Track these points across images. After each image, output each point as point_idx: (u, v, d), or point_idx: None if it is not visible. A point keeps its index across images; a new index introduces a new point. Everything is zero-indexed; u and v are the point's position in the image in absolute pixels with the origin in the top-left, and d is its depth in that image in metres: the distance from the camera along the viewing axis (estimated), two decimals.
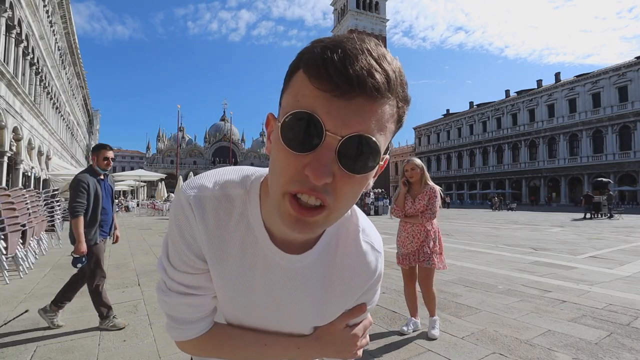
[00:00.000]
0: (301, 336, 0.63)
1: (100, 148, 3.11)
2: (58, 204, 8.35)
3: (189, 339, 0.60)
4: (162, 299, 0.59)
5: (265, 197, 0.53)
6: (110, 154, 3.13)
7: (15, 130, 15.50)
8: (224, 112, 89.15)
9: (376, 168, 0.43)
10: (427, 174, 2.98)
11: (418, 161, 2.99)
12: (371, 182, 0.47)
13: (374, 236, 0.62)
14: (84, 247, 2.79)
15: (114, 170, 79.07)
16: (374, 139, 0.40)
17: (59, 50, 26.36)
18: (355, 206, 0.58)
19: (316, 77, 0.38)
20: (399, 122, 0.44)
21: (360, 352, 0.65)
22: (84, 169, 3.31)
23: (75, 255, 2.79)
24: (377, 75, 0.38)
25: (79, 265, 2.84)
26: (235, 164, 75.06)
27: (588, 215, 18.84)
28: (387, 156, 0.47)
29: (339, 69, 0.37)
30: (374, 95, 0.38)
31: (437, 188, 2.91)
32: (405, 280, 3.03)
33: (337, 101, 0.38)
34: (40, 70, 20.13)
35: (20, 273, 4.70)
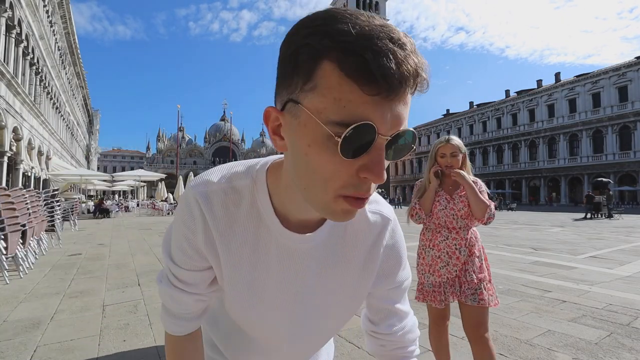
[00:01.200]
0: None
1: None
2: (58, 204, 8.35)
3: (171, 333, 0.63)
4: (159, 287, 0.62)
5: (275, 184, 0.52)
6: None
7: (15, 130, 15.51)
8: (224, 112, 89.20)
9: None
10: (469, 163, 1.99)
11: (458, 141, 1.97)
12: None
13: (382, 205, 0.62)
14: None
15: (114, 170, 79.16)
16: (412, 130, 0.40)
17: (59, 50, 26.36)
18: None
19: (368, 83, 0.35)
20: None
21: None
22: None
23: None
24: (420, 71, 0.38)
25: None
26: None
27: (588, 215, 18.85)
28: None
29: (393, 72, 0.35)
30: (413, 92, 0.39)
31: (481, 182, 1.97)
32: (434, 323, 1.95)
33: (387, 103, 0.37)
34: (40, 70, 20.13)
35: (20, 273, 4.70)
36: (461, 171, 1.89)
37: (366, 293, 0.64)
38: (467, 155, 1.97)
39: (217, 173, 0.55)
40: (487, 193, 1.92)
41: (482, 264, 1.87)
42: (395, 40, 0.36)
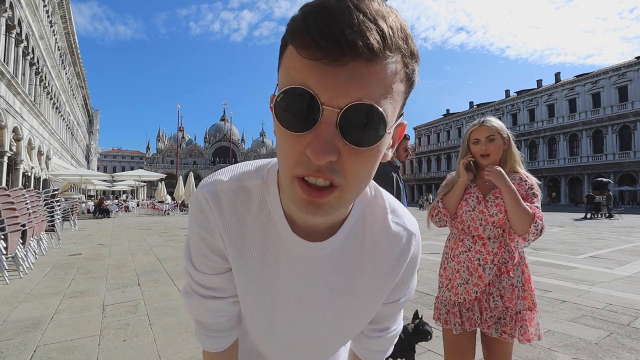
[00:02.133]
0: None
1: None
2: (58, 204, 8.35)
3: (209, 350, 0.61)
4: (187, 302, 0.60)
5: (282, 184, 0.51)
6: (410, 145, 2.90)
7: (15, 130, 15.51)
8: (224, 112, 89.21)
9: (386, 137, 0.39)
10: (517, 152, 1.51)
11: (498, 122, 1.50)
12: (389, 153, 0.44)
13: (406, 217, 0.57)
14: None
15: (114, 170, 79.19)
16: (376, 105, 0.35)
17: (59, 50, 26.36)
18: (379, 187, 0.56)
19: (302, 46, 0.34)
20: (409, 81, 0.39)
21: None
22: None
23: None
24: (369, 34, 0.33)
25: None
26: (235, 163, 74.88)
27: (589, 215, 18.84)
28: (403, 121, 0.44)
29: (324, 32, 0.33)
30: (369, 56, 0.33)
31: (534, 180, 1.47)
32: (449, 355, 1.52)
33: (329, 69, 0.33)
34: (40, 70, 20.13)
35: (20, 273, 4.70)
36: (497, 168, 1.39)
37: (379, 306, 0.60)
38: (512, 141, 1.49)
39: (227, 173, 0.54)
40: (538, 196, 1.42)
41: (518, 289, 1.42)
42: (345, 5, 0.34)
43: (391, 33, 0.35)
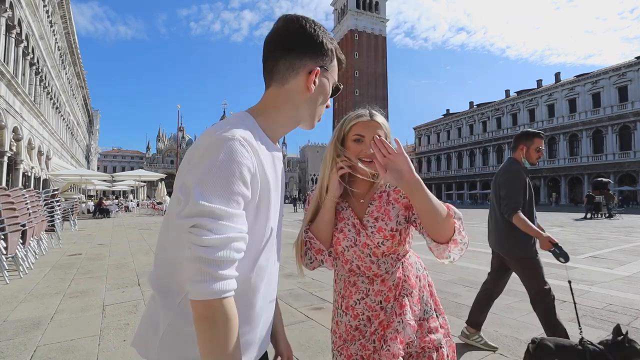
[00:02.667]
0: None
1: (534, 136, 2.48)
2: (58, 204, 8.35)
3: (228, 295, 0.59)
4: (215, 238, 0.57)
5: (268, 119, 0.76)
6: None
7: (15, 130, 15.51)
8: (224, 112, 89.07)
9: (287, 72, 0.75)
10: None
11: (384, 119, 1.12)
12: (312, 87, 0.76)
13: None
14: (547, 235, 2.24)
15: (114, 170, 79.17)
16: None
17: (59, 50, 26.36)
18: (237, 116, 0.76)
19: (340, 69, 0.86)
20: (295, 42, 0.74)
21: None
22: (510, 160, 2.58)
23: (552, 250, 2.22)
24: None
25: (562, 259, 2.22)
26: None
27: (589, 215, 18.85)
28: (315, 68, 0.75)
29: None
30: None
31: None
32: None
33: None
34: (40, 70, 20.13)
35: (20, 273, 4.70)
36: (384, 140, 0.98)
37: None
38: (376, 143, 1.04)
39: (229, 125, 0.67)
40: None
41: (427, 320, 1.08)
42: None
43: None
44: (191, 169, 0.62)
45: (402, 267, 1.10)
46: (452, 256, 0.98)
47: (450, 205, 0.98)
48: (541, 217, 19.98)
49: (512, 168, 2.46)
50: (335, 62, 0.80)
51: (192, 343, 0.64)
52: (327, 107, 0.83)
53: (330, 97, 0.82)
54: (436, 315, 1.10)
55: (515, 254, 2.40)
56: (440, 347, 1.05)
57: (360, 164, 1.06)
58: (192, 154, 0.65)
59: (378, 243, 1.05)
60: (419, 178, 0.93)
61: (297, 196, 33.69)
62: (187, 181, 0.61)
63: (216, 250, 0.57)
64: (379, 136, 1.03)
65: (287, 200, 55.79)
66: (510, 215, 2.32)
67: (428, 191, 0.93)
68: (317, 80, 0.75)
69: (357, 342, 1.08)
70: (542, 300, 2.37)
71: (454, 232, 0.95)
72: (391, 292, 1.07)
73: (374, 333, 1.06)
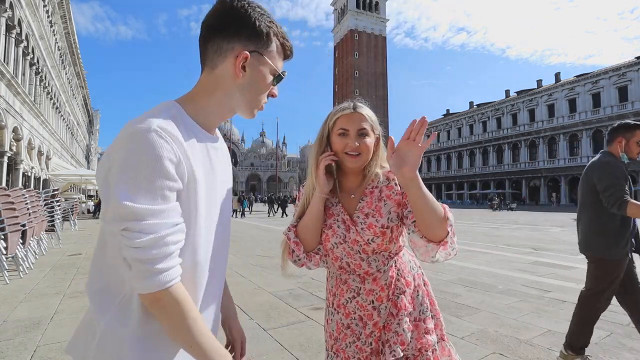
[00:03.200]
0: None
1: (635, 128, 2.25)
2: (58, 204, 8.35)
3: (175, 281, 0.60)
4: (146, 240, 0.57)
5: (198, 107, 0.72)
6: None
7: (15, 130, 15.50)
8: None
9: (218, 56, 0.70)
10: (384, 153, 1.09)
11: (372, 113, 1.11)
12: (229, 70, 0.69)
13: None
14: None
15: None
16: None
17: (59, 50, 26.36)
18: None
19: (287, 58, 0.81)
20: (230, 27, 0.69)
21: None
22: (604, 153, 2.34)
23: None
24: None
25: None
26: (235, 164, 75.01)
27: None
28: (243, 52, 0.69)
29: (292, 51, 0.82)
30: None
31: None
32: None
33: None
34: (40, 70, 20.13)
35: (20, 273, 4.70)
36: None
37: None
38: (381, 139, 1.10)
39: (147, 116, 0.63)
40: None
41: (424, 320, 1.05)
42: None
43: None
44: (111, 167, 0.59)
45: (395, 266, 1.07)
46: (437, 257, 0.97)
47: (447, 209, 0.96)
48: (541, 217, 19.95)
49: (608, 160, 2.24)
50: (274, 47, 0.72)
51: (127, 347, 0.61)
52: (273, 96, 0.77)
53: (274, 85, 0.75)
54: (431, 315, 1.07)
55: (600, 254, 2.21)
56: (435, 350, 1.02)
57: (344, 159, 1.05)
58: (111, 149, 0.62)
59: (368, 240, 1.02)
60: (418, 176, 0.91)
61: (297, 196, 33.45)
62: (109, 180, 0.59)
63: (149, 250, 0.57)
64: (364, 128, 1.04)
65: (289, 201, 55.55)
66: (621, 204, 2.04)
67: (424, 189, 0.92)
68: (246, 66, 0.69)
69: (353, 345, 1.05)
70: (590, 304, 2.28)
71: (447, 234, 0.94)
72: (384, 292, 1.04)
73: (370, 335, 1.03)
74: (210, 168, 0.70)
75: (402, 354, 0.99)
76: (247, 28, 0.69)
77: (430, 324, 1.05)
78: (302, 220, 1.09)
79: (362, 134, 1.05)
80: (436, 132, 1.09)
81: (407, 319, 1.02)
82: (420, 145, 0.90)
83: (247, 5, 0.69)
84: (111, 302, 0.64)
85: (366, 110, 1.08)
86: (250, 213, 23.88)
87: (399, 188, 1.04)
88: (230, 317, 0.93)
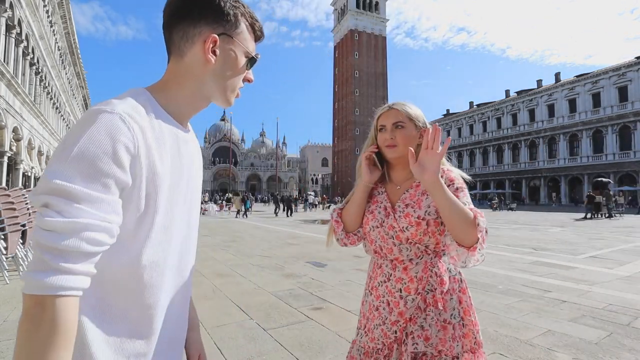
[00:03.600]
0: None
1: None
2: None
3: (73, 290, 0.48)
4: (63, 222, 0.47)
5: (169, 96, 0.67)
6: None
7: (15, 130, 15.51)
8: (224, 112, 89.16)
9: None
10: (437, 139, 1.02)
11: (410, 106, 1.17)
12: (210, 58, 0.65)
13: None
14: None
15: None
16: None
17: (59, 50, 26.36)
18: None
19: (258, 39, 0.76)
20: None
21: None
22: None
23: None
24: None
25: None
26: (235, 164, 75.02)
27: (589, 215, 18.84)
28: (211, 35, 0.64)
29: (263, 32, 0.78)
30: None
31: (457, 173, 1.16)
32: None
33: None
34: (40, 70, 20.13)
35: (20, 273, 4.69)
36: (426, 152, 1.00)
37: None
38: (430, 131, 1.04)
39: (114, 99, 0.59)
40: (464, 190, 1.09)
41: (453, 326, 1.04)
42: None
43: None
44: (58, 148, 0.52)
45: (431, 262, 1.08)
46: (466, 262, 0.99)
47: (479, 214, 0.98)
48: (541, 217, 19.97)
49: None
50: (243, 29, 0.68)
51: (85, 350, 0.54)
52: (249, 81, 0.73)
53: (248, 68, 0.71)
54: (462, 323, 1.06)
55: None
56: (457, 358, 1.01)
57: (385, 152, 1.14)
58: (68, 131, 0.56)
59: (403, 227, 1.07)
60: (440, 181, 0.97)
61: (297, 196, 33.59)
62: (52, 159, 0.51)
63: (60, 238, 0.47)
64: (400, 121, 1.12)
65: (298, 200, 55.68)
66: None
67: (448, 194, 0.97)
68: (217, 50, 0.65)
69: (379, 327, 1.10)
70: None
71: (477, 240, 0.95)
72: (412, 283, 1.07)
73: (395, 324, 1.07)
74: (179, 163, 0.65)
75: (423, 349, 1.01)
76: (213, 10, 0.64)
77: (459, 331, 1.04)
78: (347, 204, 1.21)
79: (398, 126, 1.12)
80: (450, 138, 1.17)
81: (435, 317, 1.04)
82: (438, 152, 0.99)
83: None
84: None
85: (402, 106, 1.15)
86: (250, 213, 23.75)
87: (444, 180, 1.06)
88: (190, 328, 0.80)
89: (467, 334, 1.05)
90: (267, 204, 28.89)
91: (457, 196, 1.02)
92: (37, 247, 0.48)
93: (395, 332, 1.07)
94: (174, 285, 0.68)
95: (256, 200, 58.01)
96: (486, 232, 0.97)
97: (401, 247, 1.08)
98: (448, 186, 1.04)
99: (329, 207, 31.61)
